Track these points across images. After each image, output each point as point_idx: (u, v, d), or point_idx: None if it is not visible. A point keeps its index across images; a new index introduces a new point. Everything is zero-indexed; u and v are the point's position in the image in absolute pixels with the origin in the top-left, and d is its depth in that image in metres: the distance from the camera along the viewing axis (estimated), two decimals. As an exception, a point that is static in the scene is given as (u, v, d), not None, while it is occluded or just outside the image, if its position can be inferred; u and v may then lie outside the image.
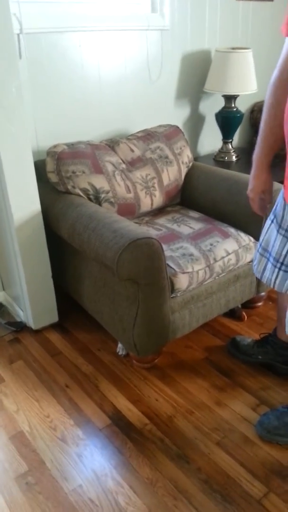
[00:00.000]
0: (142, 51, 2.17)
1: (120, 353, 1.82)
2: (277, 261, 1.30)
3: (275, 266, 1.31)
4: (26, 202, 1.71)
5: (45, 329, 1.98)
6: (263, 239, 1.38)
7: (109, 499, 1.28)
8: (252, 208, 1.48)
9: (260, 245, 1.40)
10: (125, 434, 1.48)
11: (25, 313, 1.98)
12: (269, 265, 1.34)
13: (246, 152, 2.66)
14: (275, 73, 1.22)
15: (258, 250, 1.41)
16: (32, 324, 1.96)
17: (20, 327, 1.99)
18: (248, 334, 1.94)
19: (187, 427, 1.51)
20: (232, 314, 2.06)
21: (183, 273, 1.61)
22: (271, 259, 1.33)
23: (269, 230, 1.35)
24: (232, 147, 2.56)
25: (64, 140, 1.98)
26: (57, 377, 1.73)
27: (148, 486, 1.32)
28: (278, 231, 1.29)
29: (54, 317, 2.00)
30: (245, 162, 2.54)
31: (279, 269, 1.30)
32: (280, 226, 1.28)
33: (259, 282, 1.93)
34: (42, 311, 1.95)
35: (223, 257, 1.73)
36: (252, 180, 1.41)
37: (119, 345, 1.83)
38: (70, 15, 1.88)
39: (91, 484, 1.33)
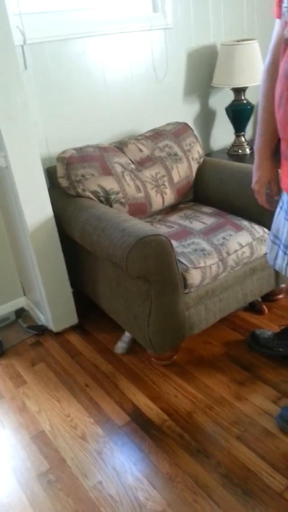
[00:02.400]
0: (147, 51, 2.18)
1: (119, 352, 1.83)
2: (287, 248, 1.28)
3: (285, 253, 1.29)
4: (38, 208, 1.75)
5: (66, 331, 2.02)
6: (273, 226, 1.36)
7: (129, 494, 1.29)
8: (259, 202, 1.44)
9: (272, 232, 1.37)
10: (144, 431, 1.49)
11: (45, 317, 2.02)
12: (280, 252, 1.32)
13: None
14: (268, 57, 1.21)
15: (270, 238, 1.39)
16: (52, 327, 2.00)
17: (41, 331, 2.03)
18: (269, 327, 1.90)
19: (206, 422, 1.50)
20: (253, 307, 2.03)
21: (195, 268, 1.61)
22: (282, 246, 1.31)
23: (279, 217, 1.33)
24: (245, 139, 2.53)
25: (75, 145, 2.01)
26: (77, 377, 1.76)
27: (167, 481, 1.32)
28: (285, 217, 1.27)
29: (73, 319, 2.04)
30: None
31: (288, 256, 1.27)
32: (286, 213, 1.26)
33: (278, 274, 1.90)
34: (61, 314, 1.98)
35: (236, 250, 1.71)
36: (256, 171, 1.37)
37: (118, 343, 1.84)
38: (71, 22, 1.92)
39: (111, 481, 1.34)
